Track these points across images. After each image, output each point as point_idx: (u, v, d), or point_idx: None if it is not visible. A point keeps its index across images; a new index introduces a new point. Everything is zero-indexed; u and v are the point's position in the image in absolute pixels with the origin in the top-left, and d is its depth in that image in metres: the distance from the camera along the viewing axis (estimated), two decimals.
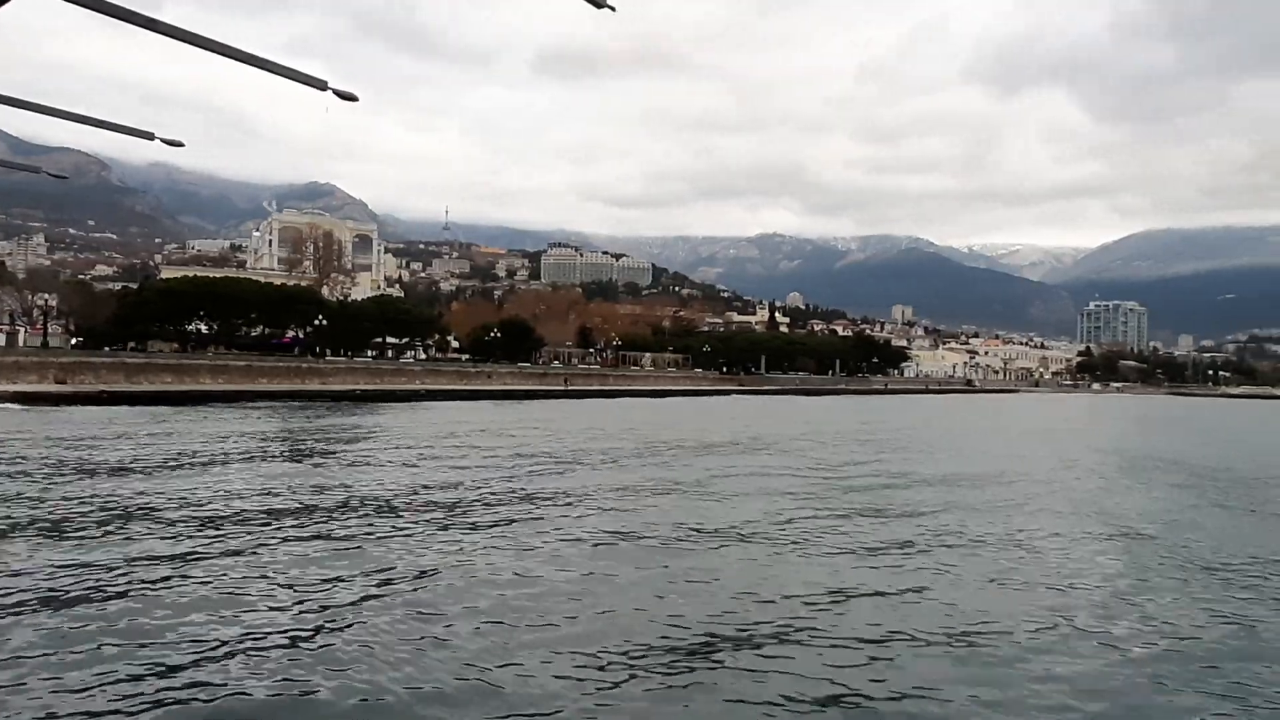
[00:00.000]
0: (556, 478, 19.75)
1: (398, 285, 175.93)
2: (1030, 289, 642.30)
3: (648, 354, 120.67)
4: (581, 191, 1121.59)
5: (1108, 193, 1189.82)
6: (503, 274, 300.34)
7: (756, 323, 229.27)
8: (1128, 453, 32.09)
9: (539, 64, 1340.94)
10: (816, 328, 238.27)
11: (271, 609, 8.59)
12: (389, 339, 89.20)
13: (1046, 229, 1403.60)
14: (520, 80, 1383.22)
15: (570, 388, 78.08)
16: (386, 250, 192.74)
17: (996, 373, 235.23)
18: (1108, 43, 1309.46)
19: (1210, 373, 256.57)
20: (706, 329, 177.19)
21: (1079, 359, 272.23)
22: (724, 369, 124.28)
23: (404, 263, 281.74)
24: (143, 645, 7.50)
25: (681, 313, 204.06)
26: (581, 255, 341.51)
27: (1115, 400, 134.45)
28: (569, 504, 15.77)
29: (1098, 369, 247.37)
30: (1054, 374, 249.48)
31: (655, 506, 15.94)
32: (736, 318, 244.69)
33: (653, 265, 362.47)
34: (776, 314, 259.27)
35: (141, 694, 6.50)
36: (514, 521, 13.88)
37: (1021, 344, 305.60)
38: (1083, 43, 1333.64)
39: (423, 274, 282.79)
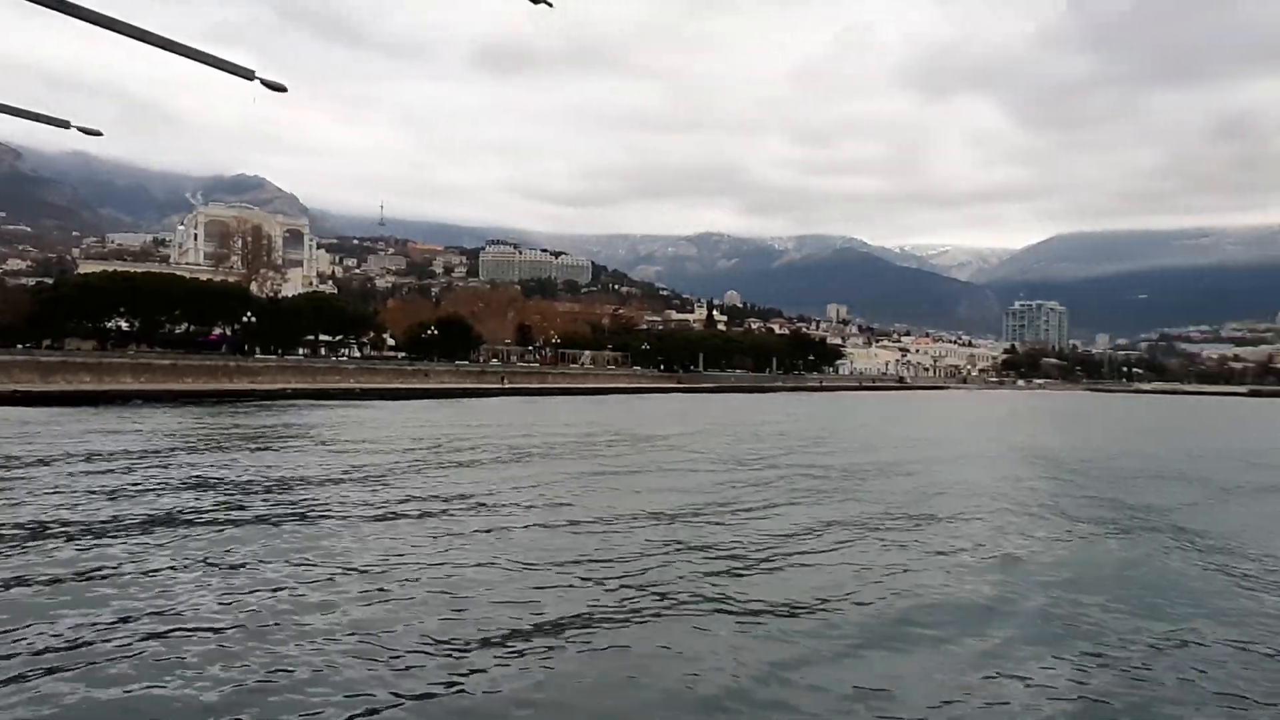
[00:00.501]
0: (488, 474, 19.65)
1: (331, 282, 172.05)
2: (958, 289, 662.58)
3: (587, 352, 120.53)
4: (519, 189, 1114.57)
5: (1030, 196, 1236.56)
6: (440, 271, 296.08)
7: (695, 321, 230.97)
8: (1046, 448, 33.44)
9: (475, 58, 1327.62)
10: (754, 326, 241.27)
11: (194, 623, 8.31)
12: (322, 337, 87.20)
13: (973, 230, 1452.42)
14: (456, 74, 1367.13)
15: (508, 386, 77.59)
16: (319, 246, 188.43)
17: (927, 370, 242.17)
18: (1028, 52, 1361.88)
19: (1125, 370, 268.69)
20: (645, 327, 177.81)
21: (1004, 356, 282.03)
22: (663, 367, 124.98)
23: (337, 259, 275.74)
24: (55, 666, 7.21)
25: (621, 311, 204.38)
26: (520, 253, 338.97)
27: (1038, 397, 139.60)
28: (498, 501, 15.67)
29: (1022, 366, 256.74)
30: (981, 371, 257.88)
31: (595, 499, 15.99)
32: (675, 316, 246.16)
33: (592, 263, 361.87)
34: (715, 312, 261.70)
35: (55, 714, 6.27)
36: (445, 522, 13.76)
37: (951, 342, 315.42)
38: (1004, 51, 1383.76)
39: (357, 270, 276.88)
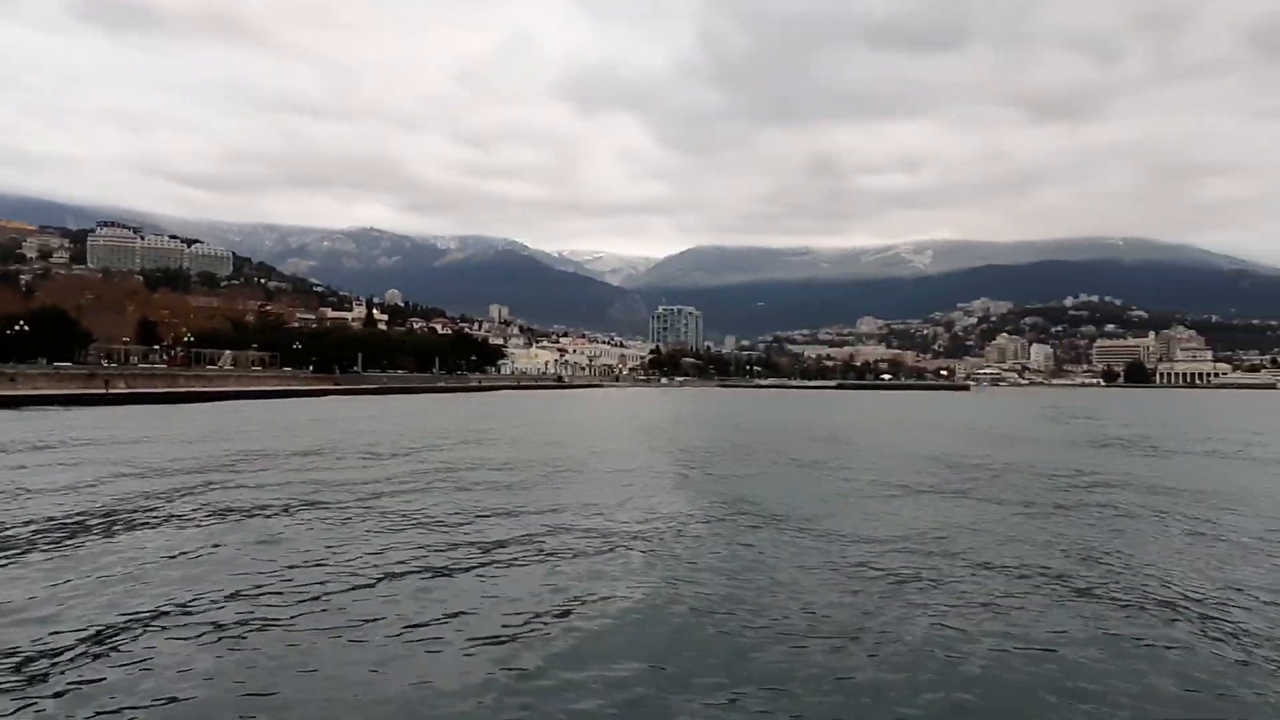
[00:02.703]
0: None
1: None
2: (611, 293, 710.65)
3: (228, 352, 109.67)
4: (141, 165, 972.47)
5: (670, 211, 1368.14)
6: (33, 255, 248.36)
7: (354, 319, 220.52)
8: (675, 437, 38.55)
9: (78, 7, 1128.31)
10: (416, 325, 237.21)
11: None
12: None
13: (624, 239, 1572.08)
14: (53, 23, 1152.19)
15: (114, 391, 67.65)
16: None
17: (583, 369, 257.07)
18: (669, 80, 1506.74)
19: (748, 367, 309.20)
20: (298, 325, 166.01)
21: (650, 356, 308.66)
22: (317, 368, 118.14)
23: None
24: None
25: (269, 307, 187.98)
26: (142, 238, 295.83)
27: (675, 393, 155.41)
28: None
29: (665, 365, 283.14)
30: (631, 370, 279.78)
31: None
32: (331, 314, 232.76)
33: (233, 254, 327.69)
34: (375, 311, 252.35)
35: None
36: None
37: (604, 343, 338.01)
38: (649, 77, 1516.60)
39: None
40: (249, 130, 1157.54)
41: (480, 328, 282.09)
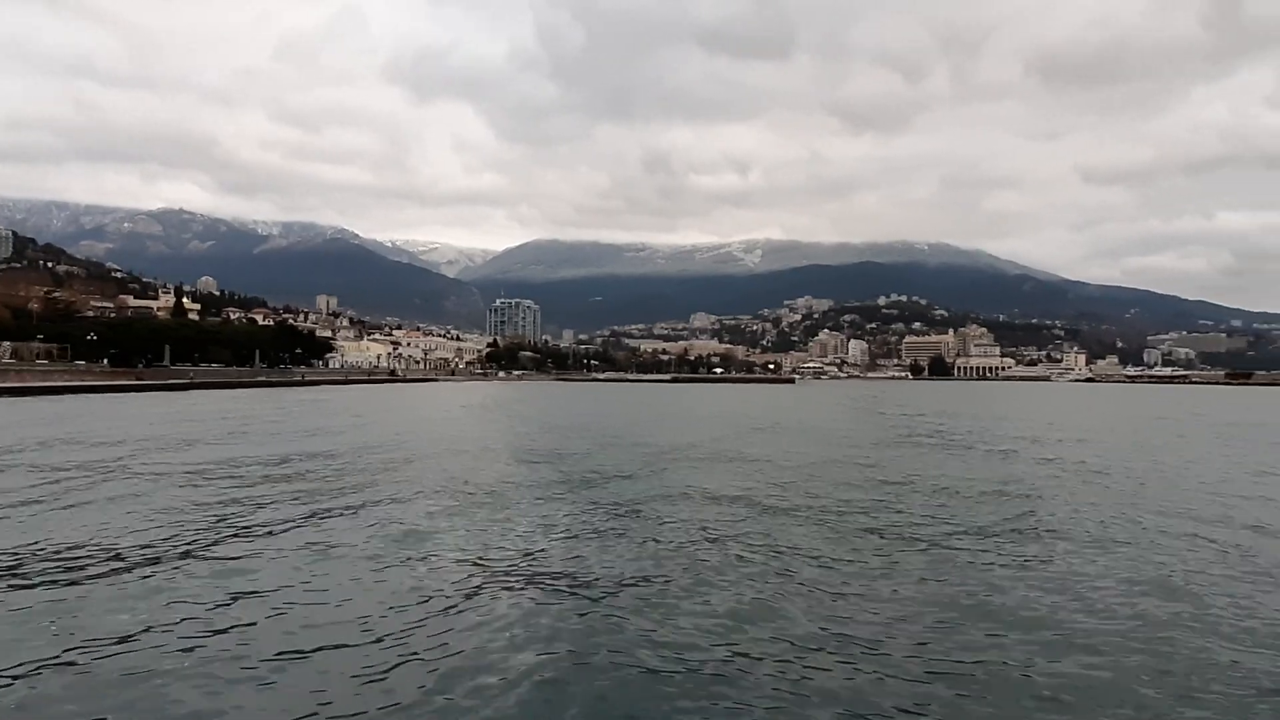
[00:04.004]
0: None
1: None
2: (448, 284, 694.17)
3: (7, 343, 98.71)
4: None
5: (507, 203, 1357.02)
6: None
7: (160, 308, 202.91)
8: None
9: None
10: (234, 316, 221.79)
11: None
12: None
13: (461, 230, 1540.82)
14: None
15: None
16: None
17: (418, 363, 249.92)
18: (506, 70, 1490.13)
19: (586, 361, 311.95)
20: (93, 314, 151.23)
21: (488, 349, 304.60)
22: (117, 361, 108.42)
23: None
24: None
25: (57, 294, 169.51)
26: None
27: (513, 386, 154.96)
28: None
29: (503, 359, 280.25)
30: (468, 363, 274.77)
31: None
32: (134, 302, 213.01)
33: (14, 233, 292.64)
34: (185, 299, 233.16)
35: None
36: None
37: (440, 336, 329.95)
38: (486, 66, 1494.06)
39: None
40: (31, 95, 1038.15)
41: (306, 319, 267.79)
